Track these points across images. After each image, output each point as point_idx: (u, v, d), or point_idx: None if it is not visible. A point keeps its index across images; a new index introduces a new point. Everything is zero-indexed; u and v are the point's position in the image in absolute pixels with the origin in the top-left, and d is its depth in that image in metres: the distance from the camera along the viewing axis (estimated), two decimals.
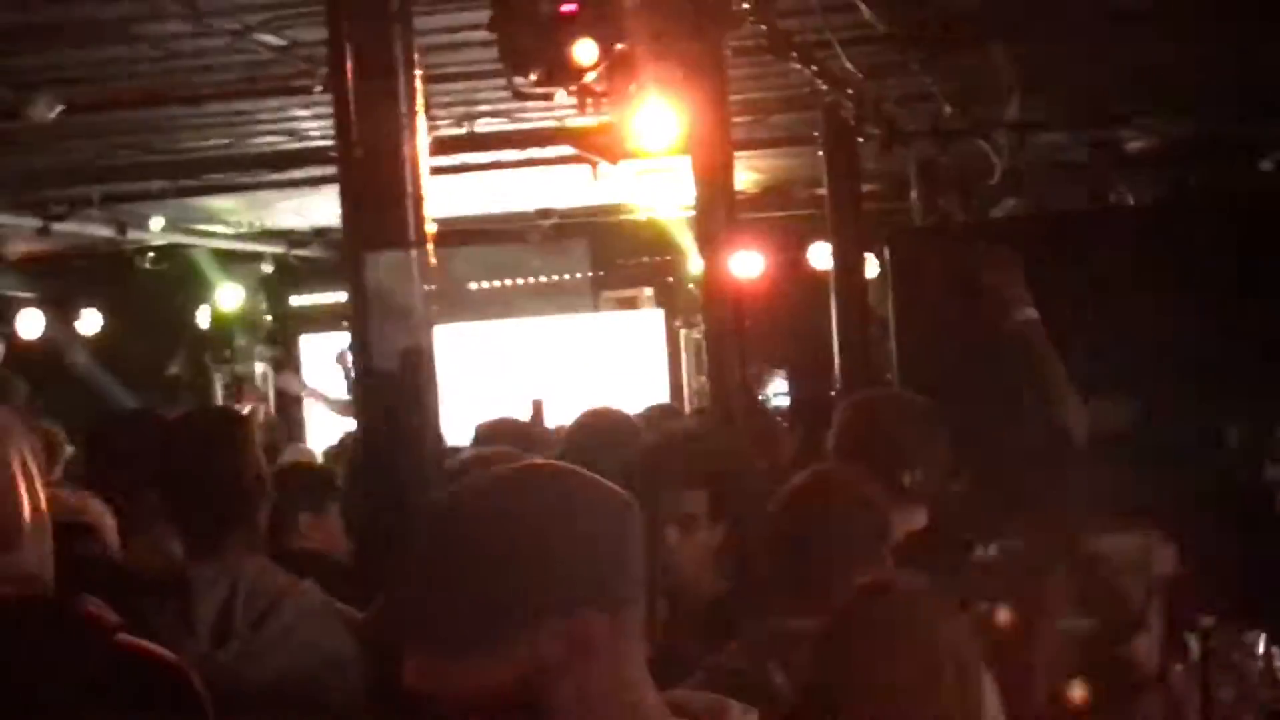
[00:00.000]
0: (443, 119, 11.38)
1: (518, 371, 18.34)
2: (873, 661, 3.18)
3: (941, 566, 4.49)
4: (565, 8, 5.84)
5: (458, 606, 2.21)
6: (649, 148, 7.41)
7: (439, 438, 5.29)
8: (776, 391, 16.23)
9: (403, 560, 2.34)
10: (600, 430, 6.76)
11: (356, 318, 5.24)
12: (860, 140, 12.42)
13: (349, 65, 5.15)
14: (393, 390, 5.07)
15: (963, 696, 3.19)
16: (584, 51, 5.87)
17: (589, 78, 6.00)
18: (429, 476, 5.08)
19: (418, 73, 5.21)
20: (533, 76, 5.94)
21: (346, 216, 5.22)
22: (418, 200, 5.19)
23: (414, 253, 5.13)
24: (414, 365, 5.17)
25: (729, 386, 8.40)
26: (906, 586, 3.37)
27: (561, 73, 5.90)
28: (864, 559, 3.82)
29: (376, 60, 5.14)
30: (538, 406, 10.21)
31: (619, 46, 5.81)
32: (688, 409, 14.54)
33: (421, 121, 5.12)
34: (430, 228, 5.23)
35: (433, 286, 5.19)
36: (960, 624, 3.29)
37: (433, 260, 5.22)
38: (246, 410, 15.31)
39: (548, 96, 6.12)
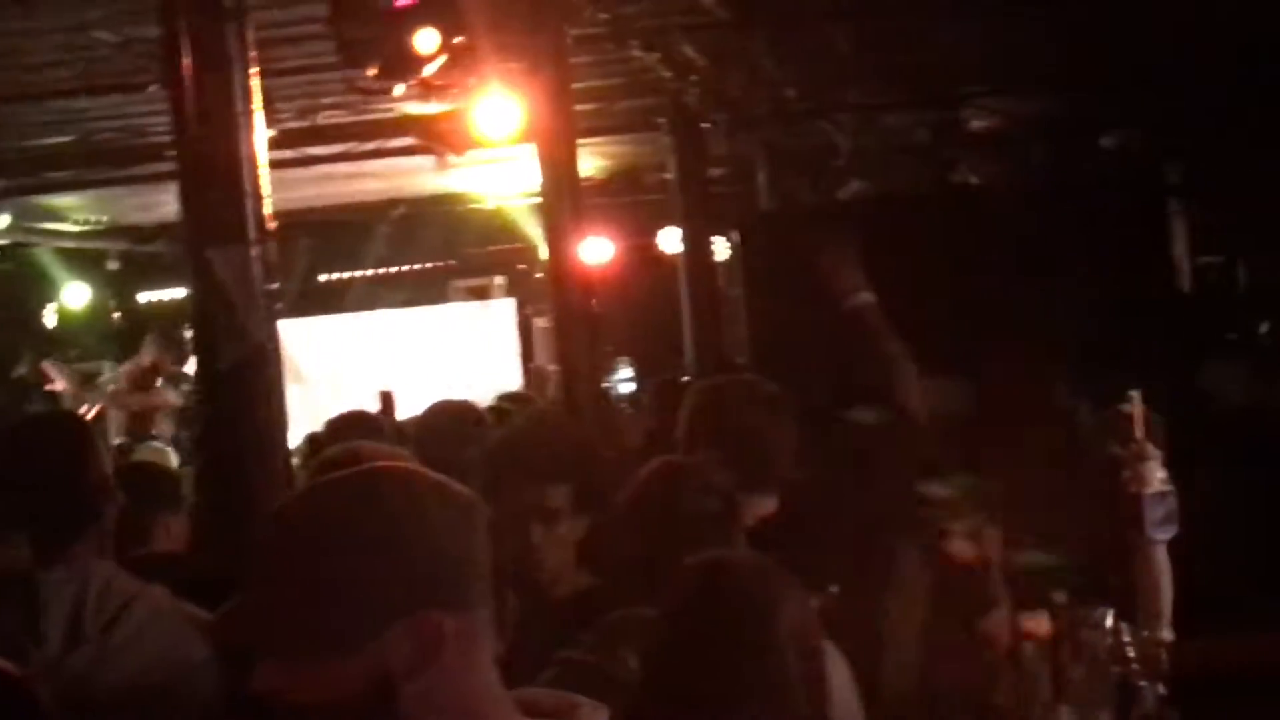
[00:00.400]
0: (285, 112, 11.30)
1: (370, 364, 18.26)
2: (713, 640, 3.20)
3: (793, 550, 4.54)
4: (402, 1, 5.83)
5: (304, 610, 2.20)
6: (492, 137, 7.40)
7: (284, 435, 5.27)
8: (622, 378, 16.27)
9: (252, 563, 2.33)
10: (447, 423, 6.76)
11: (198, 315, 5.21)
12: (706, 125, 12.47)
13: (184, 61, 5.11)
14: (236, 388, 5.04)
15: (805, 674, 3.22)
16: (423, 44, 5.86)
17: (429, 71, 5.98)
18: (276, 474, 5.05)
19: (254, 69, 5.18)
20: (372, 71, 5.91)
21: (186, 213, 5.17)
22: (257, 195, 5.16)
23: (255, 249, 5.10)
24: (258, 361, 5.14)
25: (578, 374, 8.41)
26: (746, 564, 3.40)
27: (401, 66, 5.88)
28: (714, 545, 3.85)
29: (212, 56, 5.10)
30: (386, 399, 10.16)
31: (458, 39, 5.78)
32: (543, 395, 14.54)
33: (259, 116, 5.09)
34: (271, 223, 5.20)
35: (276, 285, 5.16)
36: (802, 602, 3.31)
37: (274, 255, 5.20)
38: (85, 410, 15.15)
39: (387, 91, 6.10)
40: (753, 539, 4.47)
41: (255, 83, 5.16)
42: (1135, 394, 5.09)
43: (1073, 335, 10.57)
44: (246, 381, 5.06)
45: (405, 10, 5.80)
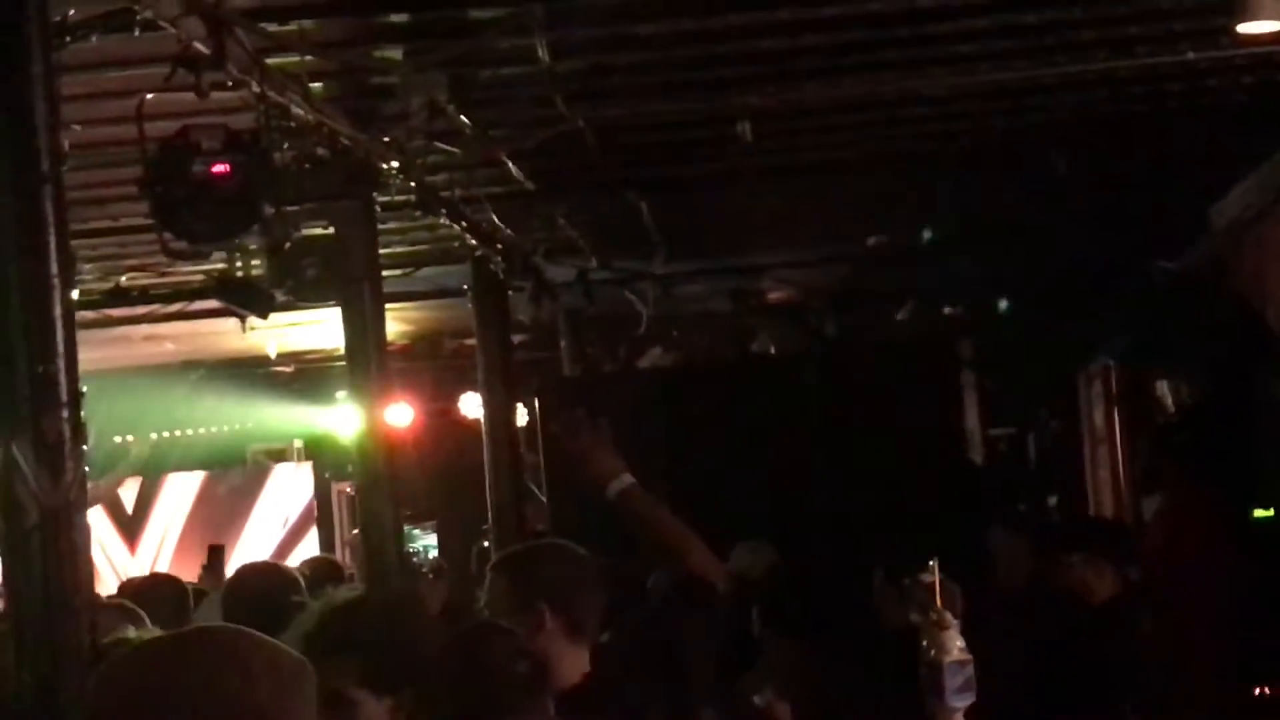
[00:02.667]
0: (88, 274, 11.26)
1: (168, 526, 18.04)
2: None
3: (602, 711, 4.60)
4: (217, 169, 5.87)
5: None
6: (299, 301, 7.43)
7: (90, 595, 5.21)
8: (425, 544, 16.23)
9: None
10: (258, 586, 6.74)
11: (4, 479, 5.15)
12: (510, 292, 12.60)
13: None
14: (45, 553, 4.99)
15: None
16: (237, 211, 5.90)
17: (241, 237, 6.03)
18: (83, 641, 4.99)
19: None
20: (184, 237, 5.95)
21: None
22: (71, 360, 5.14)
23: (65, 413, 5.07)
24: (66, 526, 5.09)
25: (383, 540, 8.40)
26: None
27: (214, 232, 5.92)
28: (524, 710, 3.90)
29: (26, 222, 5.09)
30: (215, 552, 10.05)
31: (269, 210, 5.84)
32: (343, 560, 14.45)
33: (69, 290, 5.09)
34: (83, 388, 5.19)
35: (86, 447, 5.13)
36: None
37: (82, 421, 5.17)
38: None
39: (201, 255, 6.14)
40: (570, 701, 4.54)
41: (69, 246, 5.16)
42: (933, 563, 5.18)
43: (867, 504, 10.76)
44: (52, 545, 5.00)
45: (220, 177, 5.85)
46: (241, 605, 6.72)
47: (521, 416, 14.64)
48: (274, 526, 18.42)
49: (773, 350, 15.63)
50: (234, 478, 18.84)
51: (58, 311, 5.12)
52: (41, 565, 5.06)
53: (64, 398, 5.10)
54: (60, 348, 5.13)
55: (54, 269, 5.10)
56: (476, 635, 4.19)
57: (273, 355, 16.47)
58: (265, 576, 7.30)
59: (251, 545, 17.65)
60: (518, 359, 14.25)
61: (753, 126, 8.76)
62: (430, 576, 9.14)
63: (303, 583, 7.15)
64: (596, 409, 5.89)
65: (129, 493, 18.68)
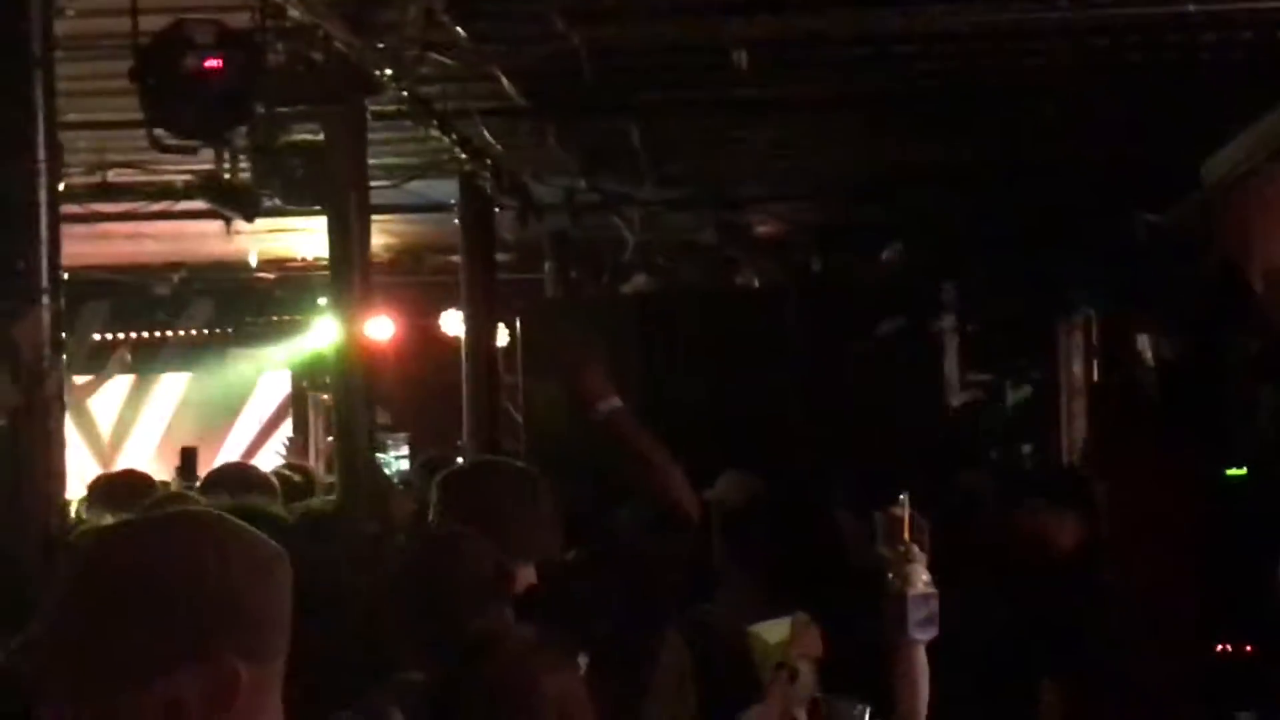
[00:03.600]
0: (74, 167, 11.17)
1: (151, 424, 18.05)
2: (479, 710, 3.26)
3: (555, 622, 4.62)
4: (209, 63, 5.84)
5: (95, 647, 2.21)
6: (285, 204, 7.41)
7: (62, 487, 5.23)
8: (398, 454, 16.22)
9: (46, 596, 2.35)
10: (242, 485, 6.76)
11: None
12: (497, 210, 12.57)
13: None
14: (15, 447, 5.00)
15: None
16: (226, 108, 5.88)
17: (230, 134, 6.01)
18: (51, 532, 5.01)
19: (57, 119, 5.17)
20: (173, 130, 5.92)
21: None
22: (54, 248, 5.15)
23: (45, 303, 5.08)
24: (42, 419, 5.10)
25: (356, 451, 8.40)
26: (515, 640, 3.47)
27: (203, 128, 5.90)
28: (488, 611, 3.93)
29: (13, 106, 5.08)
30: (188, 454, 10.04)
31: (260, 108, 5.82)
32: (317, 468, 14.46)
33: (57, 174, 5.08)
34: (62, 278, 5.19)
35: (64, 338, 5.14)
36: (567, 677, 3.39)
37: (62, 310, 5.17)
38: None
39: (189, 150, 6.12)
40: (520, 604, 4.56)
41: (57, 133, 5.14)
42: (904, 497, 5.21)
43: (844, 439, 10.78)
44: (28, 434, 5.01)
45: (211, 73, 5.82)
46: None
47: (502, 336, 14.65)
48: (250, 432, 18.44)
49: (756, 284, 15.63)
50: (215, 382, 18.82)
51: (43, 199, 5.12)
52: (13, 450, 5.08)
53: (45, 286, 5.10)
54: (44, 237, 5.13)
55: (41, 155, 5.10)
56: (445, 540, 4.21)
57: (254, 262, 16.42)
58: (239, 479, 7.30)
59: (230, 451, 17.67)
60: (501, 278, 14.24)
61: (749, 56, 8.72)
62: (401, 487, 9.14)
63: (277, 487, 7.16)
64: (577, 331, 5.88)
65: (118, 391, 18.65)
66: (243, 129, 5.97)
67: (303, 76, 6.83)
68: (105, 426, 18.64)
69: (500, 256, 14.79)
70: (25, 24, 5.09)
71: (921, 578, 5.08)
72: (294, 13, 6.81)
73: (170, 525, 2.38)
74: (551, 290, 15.41)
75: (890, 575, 5.10)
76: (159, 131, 6.06)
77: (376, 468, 8.51)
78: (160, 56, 5.89)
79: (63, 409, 5.11)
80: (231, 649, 2.24)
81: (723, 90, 9.78)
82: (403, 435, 16.44)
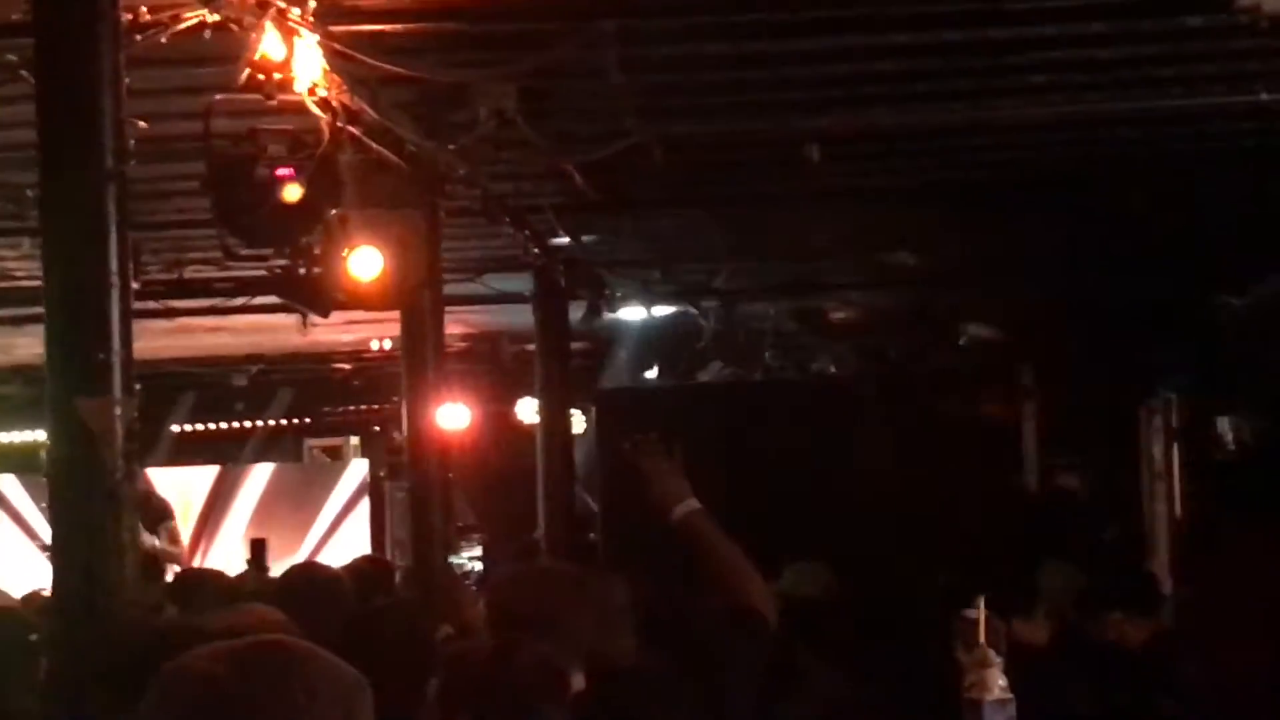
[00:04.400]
0: (152, 264, 11.29)
1: (229, 516, 18.11)
2: None
3: None
4: (281, 171, 5.88)
5: None
6: (360, 301, 7.44)
7: (137, 589, 5.25)
8: (471, 555, 16.22)
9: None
10: (310, 591, 6.74)
11: (55, 464, 5.21)
12: (572, 300, 12.60)
13: (61, 216, 5.16)
14: (95, 540, 5.03)
15: None
16: (299, 216, 5.91)
17: (304, 240, 6.03)
18: (127, 629, 5.03)
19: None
20: (245, 240, 5.96)
21: (50, 363, 5.19)
22: (127, 350, 5.18)
23: (118, 403, 5.10)
24: (114, 514, 5.14)
25: (432, 543, 8.41)
26: None
27: (275, 235, 5.93)
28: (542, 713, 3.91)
29: (89, 214, 5.14)
30: (258, 546, 10.07)
31: (334, 212, 5.85)
32: (392, 559, 14.47)
33: (128, 286, 5.13)
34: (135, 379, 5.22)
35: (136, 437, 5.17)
36: None
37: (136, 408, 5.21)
38: None
39: (261, 257, 6.15)
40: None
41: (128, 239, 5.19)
42: (980, 601, 5.15)
43: (922, 533, 10.71)
44: (106, 532, 5.05)
45: (283, 180, 5.86)
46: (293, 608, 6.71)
47: (578, 424, 14.65)
48: (327, 522, 18.47)
49: (832, 370, 15.59)
50: (294, 473, 18.89)
51: (115, 305, 5.16)
52: (88, 548, 5.12)
53: (119, 386, 5.13)
54: (115, 341, 5.16)
55: (113, 265, 5.14)
56: (503, 645, 4.21)
57: (330, 352, 16.53)
58: (320, 581, 7.26)
59: (306, 542, 17.71)
60: (576, 366, 14.26)
61: (821, 149, 8.71)
62: (472, 586, 9.13)
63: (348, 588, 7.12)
64: (652, 420, 5.86)
65: (202, 482, 18.72)
66: (314, 234, 5.98)
67: (375, 180, 6.86)
68: (189, 517, 18.72)
69: (576, 345, 14.82)
70: (100, 138, 5.15)
71: (998, 683, 5.02)
72: (365, 115, 6.84)
73: (255, 658, 2.37)
74: (627, 379, 15.40)
75: (967, 681, 5.05)
76: (232, 239, 6.09)
77: (449, 567, 8.50)
78: (232, 165, 5.94)
79: (134, 500, 5.14)
80: None
81: (796, 183, 9.77)
82: (476, 537, 16.45)
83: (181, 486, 18.30)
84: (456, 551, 8.86)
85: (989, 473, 11.60)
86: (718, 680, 5.02)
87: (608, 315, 12.71)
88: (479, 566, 11.65)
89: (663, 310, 13.71)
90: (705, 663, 5.10)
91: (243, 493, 18.44)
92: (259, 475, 18.59)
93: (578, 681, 4.68)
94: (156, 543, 8.69)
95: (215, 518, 18.35)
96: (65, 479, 5.20)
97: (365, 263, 7.12)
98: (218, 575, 8.71)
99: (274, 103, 6.07)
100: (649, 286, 12.77)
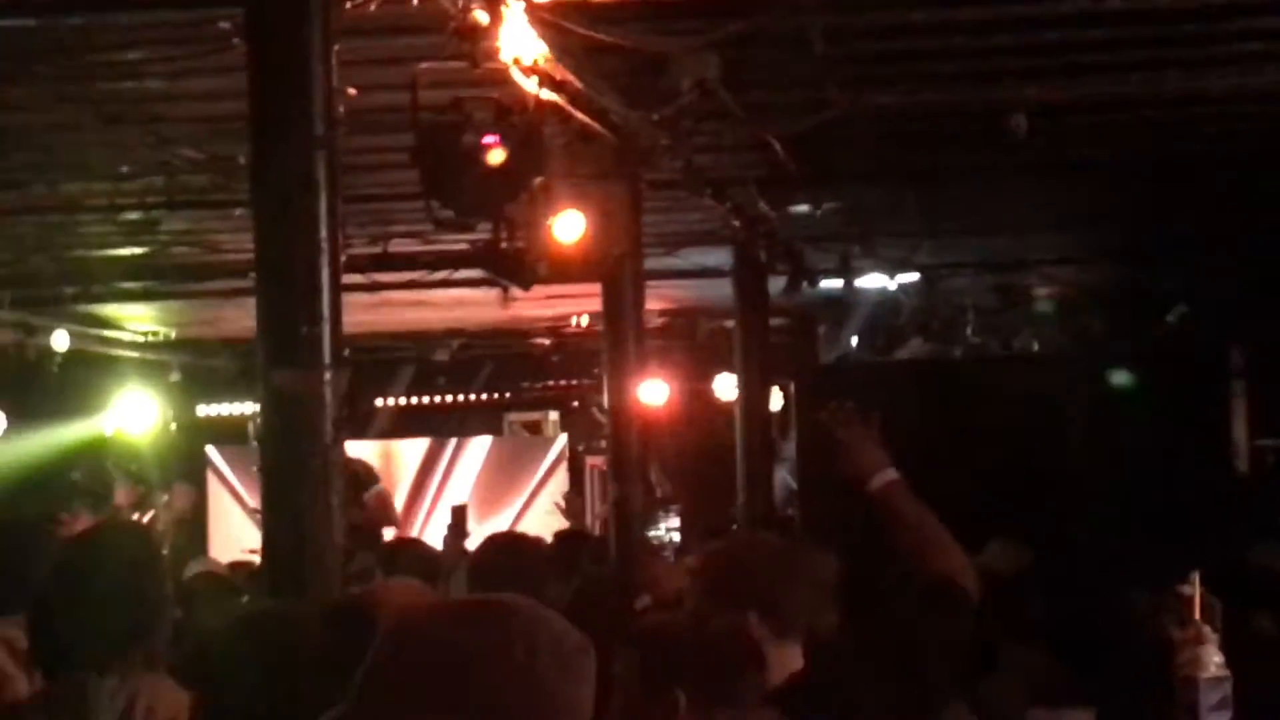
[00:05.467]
0: (357, 238, 11.40)
1: (425, 490, 18.29)
2: None
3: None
4: (487, 140, 5.90)
5: None
6: (562, 271, 7.46)
7: (339, 557, 5.30)
8: (669, 526, 16.21)
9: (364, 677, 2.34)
10: (507, 561, 6.76)
11: (266, 435, 5.27)
12: (771, 275, 12.54)
13: (271, 186, 5.21)
14: (299, 509, 5.09)
15: None
16: (504, 183, 5.93)
17: (508, 209, 6.05)
18: (331, 593, 5.08)
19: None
20: (451, 207, 5.99)
21: (262, 335, 5.24)
22: (335, 322, 5.22)
23: (327, 374, 5.15)
24: (324, 484, 5.18)
25: (630, 517, 8.42)
26: None
27: (481, 204, 5.95)
28: (738, 696, 3.87)
29: (298, 183, 5.18)
30: (459, 514, 10.11)
31: (539, 180, 5.86)
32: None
33: (338, 254, 5.17)
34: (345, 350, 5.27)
35: (345, 411, 5.20)
36: None
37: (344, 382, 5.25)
38: (149, 520, 15.23)
39: (467, 227, 6.19)
40: (782, 699, 4.47)
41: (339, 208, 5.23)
42: (1195, 575, 5.04)
43: (1127, 512, 10.53)
44: (315, 501, 5.10)
45: (490, 149, 5.87)
46: (490, 578, 6.74)
47: (776, 401, 14.60)
48: (525, 494, 18.58)
49: (1035, 348, 15.38)
50: (504, 447, 19.04)
51: (325, 274, 5.20)
52: (297, 517, 5.17)
53: (327, 360, 5.18)
54: (325, 310, 5.21)
55: (323, 232, 5.18)
56: (704, 615, 4.17)
57: (530, 327, 16.63)
58: (518, 551, 7.30)
59: (512, 515, 17.85)
60: (775, 343, 14.21)
61: (1028, 120, 8.57)
62: (670, 558, 9.12)
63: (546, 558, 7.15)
64: (851, 397, 5.79)
65: (416, 453, 18.91)
66: (519, 202, 5.98)
67: (579, 150, 6.87)
68: (401, 490, 18.90)
69: (775, 321, 14.76)
70: (310, 105, 5.19)
71: (1214, 660, 4.91)
72: (571, 86, 6.84)
73: (482, 614, 2.37)
74: (826, 355, 15.32)
75: (1180, 658, 4.94)
76: (437, 205, 6.12)
77: (647, 540, 8.51)
78: (440, 135, 5.96)
79: (340, 468, 5.18)
80: None
81: (1001, 155, 9.63)
82: (674, 508, 16.43)
83: (395, 459, 18.54)
84: (655, 524, 8.84)
85: (1197, 454, 11.35)
86: (918, 656, 4.96)
87: (807, 290, 12.62)
88: (676, 538, 11.64)
89: (864, 285, 13.58)
90: (905, 638, 5.04)
91: (457, 466, 18.59)
92: (473, 449, 18.74)
93: (795, 656, 4.65)
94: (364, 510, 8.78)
95: (428, 491, 18.51)
96: (275, 450, 5.27)
97: (569, 228, 7.13)
98: (420, 544, 8.80)
99: (478, 72, 6.09)
100: (849, 261, 12.66)
